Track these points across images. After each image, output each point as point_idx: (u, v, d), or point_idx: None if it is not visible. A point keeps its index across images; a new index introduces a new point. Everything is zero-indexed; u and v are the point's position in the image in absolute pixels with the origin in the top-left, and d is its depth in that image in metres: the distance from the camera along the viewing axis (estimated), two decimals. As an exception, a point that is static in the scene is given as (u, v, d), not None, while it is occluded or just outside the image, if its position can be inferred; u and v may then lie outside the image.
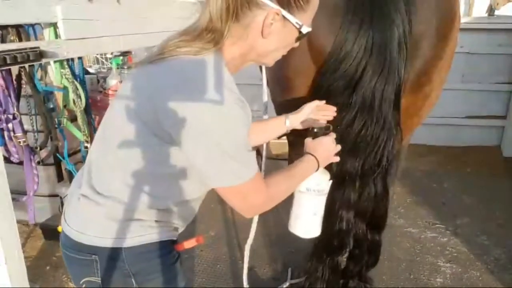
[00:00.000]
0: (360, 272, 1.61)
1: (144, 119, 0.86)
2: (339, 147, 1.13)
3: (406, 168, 3.50)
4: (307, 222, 1.20)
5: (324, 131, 1.12)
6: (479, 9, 5.12)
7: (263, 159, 1.74)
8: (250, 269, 2.04)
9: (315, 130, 1.12)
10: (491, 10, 4.41)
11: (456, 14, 1.26)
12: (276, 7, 0.86)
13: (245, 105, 0.87)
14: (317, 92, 1.23)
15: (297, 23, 0.89)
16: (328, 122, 1.20)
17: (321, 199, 1.19)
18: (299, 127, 1.25)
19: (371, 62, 1.12)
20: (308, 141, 1.12)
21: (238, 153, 0.85)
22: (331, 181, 1.19)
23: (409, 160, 3.58)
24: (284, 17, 0.88)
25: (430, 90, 1.31)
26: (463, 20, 3.85)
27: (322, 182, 1.16)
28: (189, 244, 1.07)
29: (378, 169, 1.29)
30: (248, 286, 1.84)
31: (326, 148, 1.10)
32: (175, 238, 1.03)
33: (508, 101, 3.92)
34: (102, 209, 0.93)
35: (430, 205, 2.99)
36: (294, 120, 1.23)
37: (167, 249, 0.99)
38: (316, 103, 1.20)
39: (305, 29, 0.92)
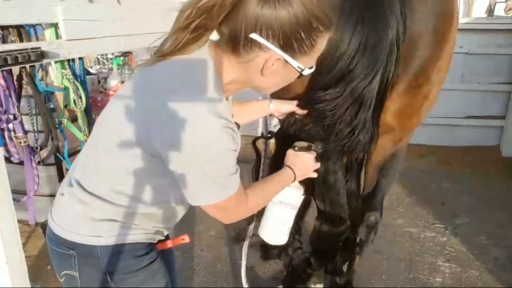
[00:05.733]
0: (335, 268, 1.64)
1: (135, 130, 0.87)
2: (318, 165, 1.19)
3: (405, 168, 3.51)
4: (275, 230, 1.28)
5: (306, 149, 1.17)
6: (479, 10, 5.14)
7: (263, 159, 1.75)
8: (250, 268, 2.04)
9: (296, 148, 1.17)
10: (490, 11, 4.43)
11: (453, 14, 1.26)
12: (279, 53, 0.83)
13: (234, 131, 0.87)
14: (312, 92, 1.24)
15: (298, 67, 0.88)
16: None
17: (291, 212, 1.25)
18: (279, 115, 1.30)
19: (361, 62, 1.12)
20: (291, 153, 1.16)
21: (220, 178, 0.87)
22: (303, 196, 1.24)
23: (408, 160, 3.58)
24: (286, 61, 0.86)
25: (429, 90, 1.31)
26: (463, 20, 3.88)
27: (295, 198, 1.22)
28: (174, 242, 1.11)
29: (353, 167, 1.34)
30: (247, 286, 1.85)
31: (305, 164, 1.16)
32: (154, 241, 1.06)
33: (507, 101, 3.93)
34: (83, 207, 0.95)
35: (430, 204, 3.00)
36: (278, 106, 1.27)
37: (144, 251, 1.01)
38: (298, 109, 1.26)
39: (307, 71, 0.90)
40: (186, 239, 1.13)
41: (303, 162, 1.15)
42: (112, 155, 0.91)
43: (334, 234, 1.48)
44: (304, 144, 1.20)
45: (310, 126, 1.26)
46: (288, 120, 1.31)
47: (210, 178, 0.86)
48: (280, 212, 1.23)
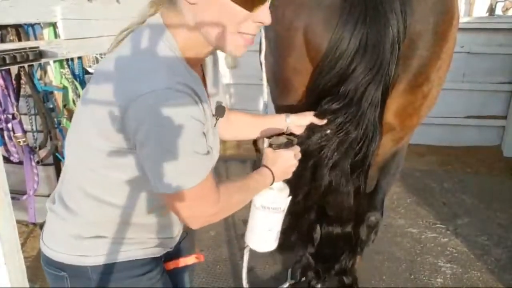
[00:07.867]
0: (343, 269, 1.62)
1: (104, 122, 0.77)
2: (297, 161, 1.07)
3: (406, 168, 3.51)
4: (260, 237, 1.17)
5: (285, 145, 1.06)
6: (480, 9, 5.13)
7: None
8: (250, 269, 2.03)
9: (273, 146, 1.05)
10: (491, 10, 4.42)
11: (454, 13, 1.25)
12: None
13: (198, 106, 0.77)
14: (312, 91, 1.23)
15: None
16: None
17: (276, 216, 1.14)
18: (296, 130, 1.21)
19: (363, 61, 1.12)
20: (269, 151, 1.04)
21: (183, 156, 0.75)
22: (289, 197, 1.14)
23: (409, 160, 3.57)
24: None
25: (429, 90, 1.31)
26: (464, 20, 3.87)
27: (277, 200, 1.11)
28: (187, 261, 1.05)
29: (361, 167, 1.30)
30: (248, 286, 1.84)
31: (285, 163, 1.03)
32: (152, 256, 0.96)
33: (509, 101, 3.92)
34: (67, 224, 0.88)
35: (430, 205, 2.99)
36: (295, 121, 1.19)
37: (142, 270, 0.92)
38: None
39: None
40: (200, 258, 1.06)
41: (282, 161, 1.02)
42: (96, 167, 0.83)
43: (340, 235, 1.46)
44: (282, 140, 1.08)
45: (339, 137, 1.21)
46: (321, 135, 1.23)
47: (166, 159, 0.75)
48: (264, 217, 1.13)
